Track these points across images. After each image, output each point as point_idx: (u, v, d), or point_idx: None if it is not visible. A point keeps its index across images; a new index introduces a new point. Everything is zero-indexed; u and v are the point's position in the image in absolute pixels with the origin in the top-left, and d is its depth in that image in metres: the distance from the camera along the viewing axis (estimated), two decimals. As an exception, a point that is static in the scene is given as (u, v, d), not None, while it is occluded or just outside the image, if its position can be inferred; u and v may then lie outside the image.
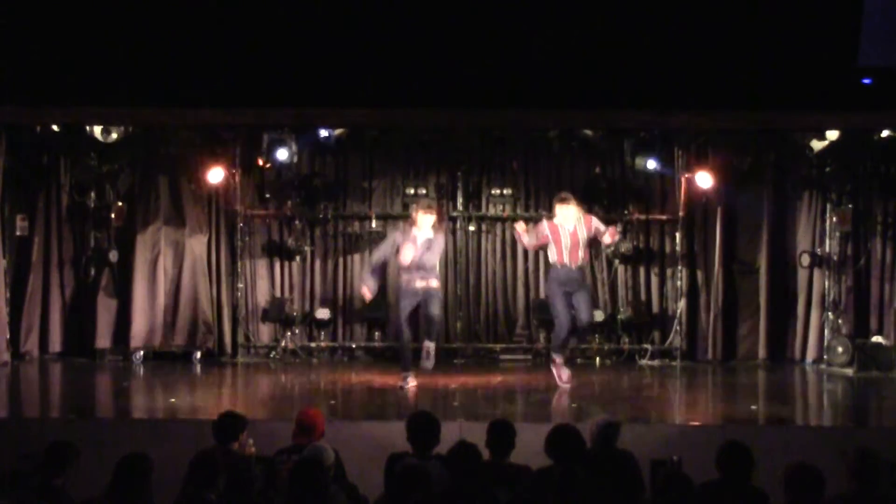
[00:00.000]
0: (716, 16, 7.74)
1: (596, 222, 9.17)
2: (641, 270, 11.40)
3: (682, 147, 11.07)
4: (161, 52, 7.79)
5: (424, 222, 9.04)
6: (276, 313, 11.36)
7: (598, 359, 11.21)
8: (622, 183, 11.40)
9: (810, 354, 11.21)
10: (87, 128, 10.26)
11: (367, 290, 9.43)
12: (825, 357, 10.94)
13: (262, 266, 11.49)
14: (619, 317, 11.33)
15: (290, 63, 7.89)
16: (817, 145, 10.52)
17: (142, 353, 10.97)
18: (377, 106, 8.47)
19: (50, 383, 10.50)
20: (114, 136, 10.28)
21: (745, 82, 7.92)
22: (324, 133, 10.77)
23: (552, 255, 9.07)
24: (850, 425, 8.28)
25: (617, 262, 11.40)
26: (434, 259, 9.07)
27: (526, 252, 11.45)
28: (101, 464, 5.06)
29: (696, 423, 7.93)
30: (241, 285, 11.36)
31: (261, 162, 10.99)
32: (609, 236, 9.20)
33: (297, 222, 11.44)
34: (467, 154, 11.34)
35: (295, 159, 10.87)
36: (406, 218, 11.42)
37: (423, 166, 11.49)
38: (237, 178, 11.21)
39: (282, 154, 10.65)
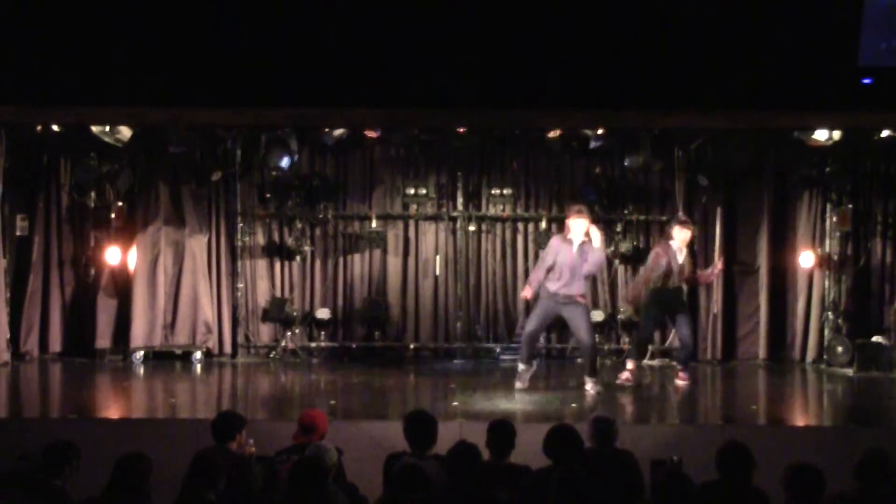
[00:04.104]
0: (716, 15, 7.74)
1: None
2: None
3: (682, 147, 11.07)
4: (161, 51, 7.79)
5: (576, 227, 8.92)
6: (276, 313, 11.36)
7: (597, 358, 11.19)
8: (622, 183, 11.40)
9: (810, 354, 11.22)
10: (95, 128, 10.25)
11: (529, 290, 9.17)
12: (825, 357, 10.94)
13: (262, 266, 11.49)
14: (619, 317, 11.34)
15: (290, 63, 7.89)
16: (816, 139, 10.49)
17: (142, 353, 10.97)
18: (377, 106, 8.47)
19: (50, 383, 10.49)
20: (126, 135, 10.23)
21: (745, 82, 7.92)
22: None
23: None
24: (850, 425, 8.28)
25: (617, 261, 11.40)
26: (587, 268, 8.89)
27: (526, 252, 11.47)
28: (101, 464, 5.06)
29: (696, 423, 7.93)
30: (241, 285, 11.36)
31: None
32: None
33: (297, 222, 11.44)
34: (467, 154, 11.33)
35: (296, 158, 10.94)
36: (405, 218, 11.50)
37: (423, 166, 11.49)
38: (237, 178, 11.21)
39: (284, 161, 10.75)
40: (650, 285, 9.48)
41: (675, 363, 10.16)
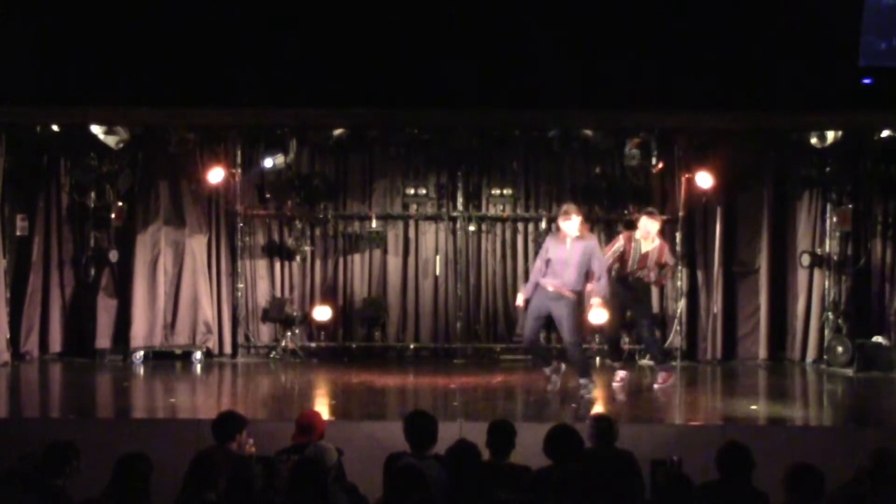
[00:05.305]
0: (716, 16, 7.75)
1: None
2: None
3: (682, 147, 11.06)
4: (161, 51, 7.79)
5: (566, 227, 8.67)
6: (276, 313, 11.36)
7: (598, 359, 11.20)
8: (622, 183, 11.40)
9: (810, 354, 11.21)
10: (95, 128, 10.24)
11: (522, 299, 8.98)
12: (825, 357, 10.94)
13: (262, 266, 11.48)
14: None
15: (290, 63, 7.90)
16: (819, 142, 10.49)
17: (142, 353, 10.97)
18: (377, 106, 8.47)
19: (50, 383, 10.49)
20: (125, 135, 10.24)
21: (745, 82, 7.92)
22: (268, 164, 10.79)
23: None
24: (850, 425, 8.28)
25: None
26: (574, 268, 8.64)
27: (526, 252, 11.46)
28: (101, 464, 5.06)
29: (696, 423, 7.93)
30: (241, 285, 11.35)
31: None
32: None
33: (297, 222, 11.44)
34: (467, 154, 11.33)
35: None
36: (405, 218, 11.51)
37: (423, 166, 11.48)
38: (237, 178, 11.21)
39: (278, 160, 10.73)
40: (611, 272, 9.27)
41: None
